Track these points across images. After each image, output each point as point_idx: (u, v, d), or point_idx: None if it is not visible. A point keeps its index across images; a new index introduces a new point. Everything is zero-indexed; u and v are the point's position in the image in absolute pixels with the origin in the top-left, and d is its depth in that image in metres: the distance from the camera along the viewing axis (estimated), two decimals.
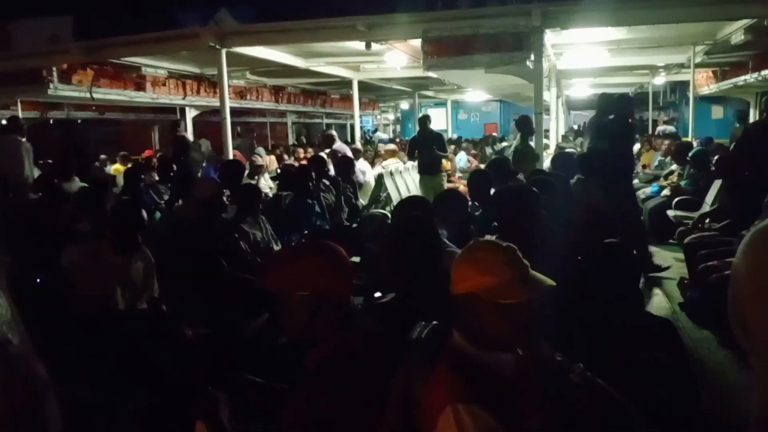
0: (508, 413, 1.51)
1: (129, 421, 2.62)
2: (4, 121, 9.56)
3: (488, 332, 1.62)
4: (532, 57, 6.35)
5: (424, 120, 8.91)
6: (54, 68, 8.05)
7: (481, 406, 1.48)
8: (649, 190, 8.90)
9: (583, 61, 10.36)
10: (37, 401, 0.79)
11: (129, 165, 10.28)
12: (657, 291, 5.60)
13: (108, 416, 2.55)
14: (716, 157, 7.51)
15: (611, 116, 5.90)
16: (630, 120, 6.22)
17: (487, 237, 2.47)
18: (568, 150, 8.74)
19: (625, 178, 6.15)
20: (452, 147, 13.00)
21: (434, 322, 1.79)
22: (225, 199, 4.96)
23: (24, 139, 7.46)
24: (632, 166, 7.40)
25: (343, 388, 1.65)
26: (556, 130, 11.62)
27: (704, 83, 13.73)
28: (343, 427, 1.64)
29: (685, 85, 13.01)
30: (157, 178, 7.92)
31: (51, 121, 13.41)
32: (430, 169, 8.39)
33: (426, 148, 8.42)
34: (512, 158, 6.72)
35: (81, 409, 2.34)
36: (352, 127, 15.05)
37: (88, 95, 8.83)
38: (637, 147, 13.66)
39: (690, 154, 7.89)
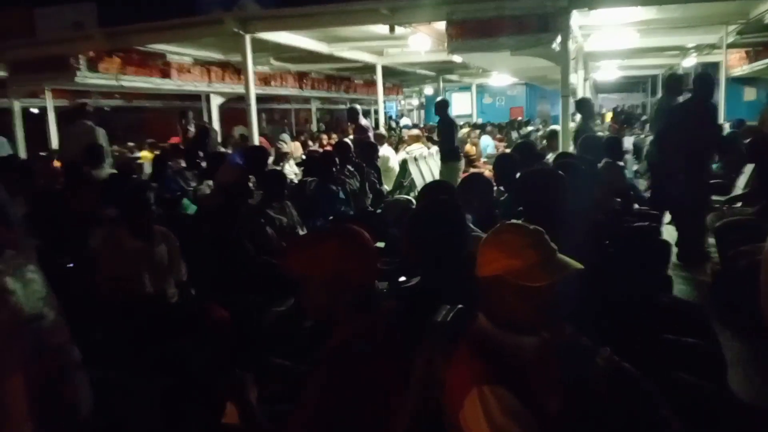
0: (531, 395, 1.50)
1: (155, 402, 2.66)
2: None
3: (513, 315, 1.61)
4: (559, 39, 6.23)
5: (441, 105, 8.55)
6: (81, 56, 8.15)
7: (506, 387, 1.48)
8: None
9: (611, 42, 10.16)
10: (68, 374, 0.81)
11: (156, 152, 10.40)
12: (686, 275, 5.52)
13: (134, 397, 2.59)
14: (749, 140, 7.33)
15: (683, 97, 5.60)
16: (708, 101, 5.71)
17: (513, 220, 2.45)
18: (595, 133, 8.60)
19: (699, 168, 5.60)
20: (477, 132, 12.89)
21: (459, 306, 1.78)
22: (251, 184, 4.98)
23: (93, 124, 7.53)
24: (710, 153, 6.38)
25: (364, 369, 1.66)
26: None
27: (736, 64, 13.39)
28: (363, 407, 1.64)
29: (716, 66, 12.71)
30: (183, 164, 7.99)
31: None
32: (446, 156, 8.23)
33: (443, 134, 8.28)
34: (573, 140, 6.60)
35: (108, 390, 2.39)
36: (376, 112, 15.00)
37: (115, 82, 8.93)
38: None
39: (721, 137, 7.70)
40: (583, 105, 7.15)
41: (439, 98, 10.09)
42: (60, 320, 0.76)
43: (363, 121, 8.91)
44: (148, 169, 8.68)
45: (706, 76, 6.49)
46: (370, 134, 8.69)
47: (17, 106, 8.85)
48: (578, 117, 7.46)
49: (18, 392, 0.65)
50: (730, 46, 11.06)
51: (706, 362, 2.73)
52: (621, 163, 6.07)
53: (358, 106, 9.51)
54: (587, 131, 6.73)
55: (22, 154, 8.97)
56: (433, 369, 1.64)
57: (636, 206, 5.74)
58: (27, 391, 0.67)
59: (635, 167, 11.04)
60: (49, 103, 10.69)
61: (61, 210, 4.56)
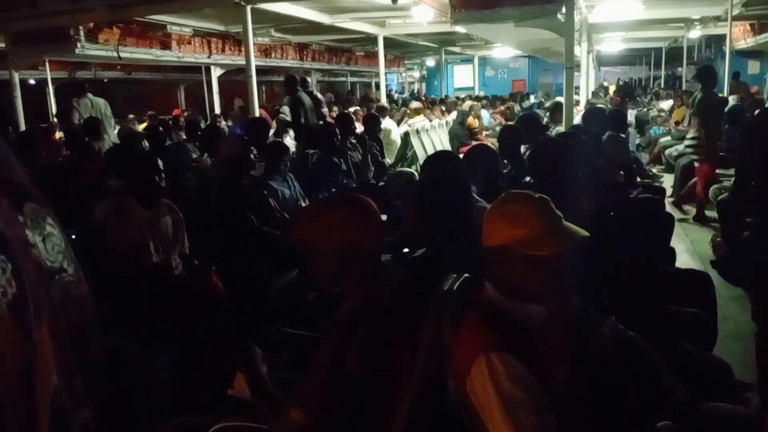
0: (538, 363, 1.52)
1: (165, 370, 2.69)
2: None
3: (519, 284, 1.61)
4: (564, 10, 6.16)
5: (289, 82, 7.89)
6: (80, 27, 8.07)
7: (513, 355, 1.49)
8: (681, 146, 8.70)
9: (616, 14, 10.04)
10: (92, 328, 0.81)
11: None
12: (689, 248, 5.54)
13: (144, 366, 2.61)
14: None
15: None
16: None
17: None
18: (599, 105, 8.55)
19: None
20: (479, 104, 12.82)
21: (466, 275, 1.79)
22: (252, 156, 4.97)
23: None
24: None
25: (372, 337, 1.67)
26: (586, 87, 11.36)
27: (741, 37, 13.26)
28: (371, 375, 1.66)
29: (721, 39, 12.57)
30: (184, 137, 7.97)
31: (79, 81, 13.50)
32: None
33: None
34: (696, 109, 6.50)
35: (118, 359, 2.41)
36: (378, 85, 14.90)
37: (114, 54, 8.86)
38: (669, 103, 13.37)
39: (726, 110, 7.66)
40: (705, 73, 6.80)
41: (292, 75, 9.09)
42: (80, 274, 0.77)
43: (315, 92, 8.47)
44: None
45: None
46: (324, 110, 8.34)
47: (17, 77, 8.79)
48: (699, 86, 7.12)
49: (45, 343, 0.66)
50: (736, 18, 10.92)
51: (705, 332, 2.76)
52: (623, 136, 6.05)
53: (297, 76, 8.79)
54: (709, 101, 6.54)
55: (22, 126, 8.93)
56: (440, 336, 1.65)
57: (638, 179, 5.74)
58: (53, 343, 0.67)
59: (638, 140, 11.02)
60: (49, 74, 10.63)
61: (64, 182, 4.56)
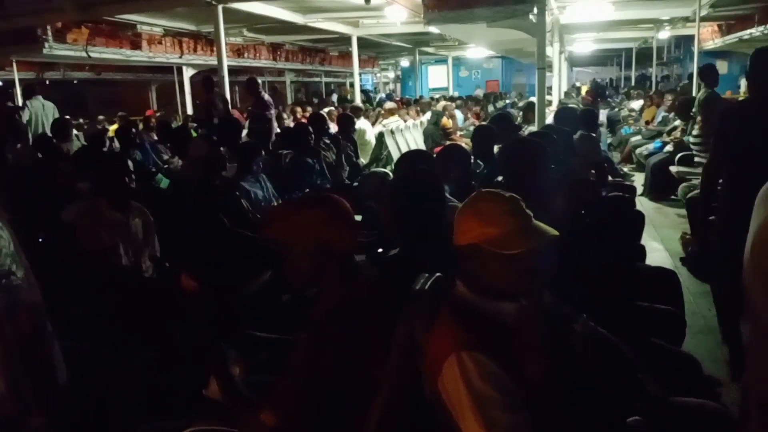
0: (510, 361, 1.52)
1: (135, 374, 2.65)
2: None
3: (491, 282, 1.62)
4: (535, 10, 6.22)
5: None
6: (48, 27, 7.94)
7: (485, 353, 1.49)
8: (651, 146, 8.84)
9: (587, 15, 10.17)
10: (40, 330, 0.79)
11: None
12: (659, 246, 5.62)
13: (114, 370, 2.57)
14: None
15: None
16: None
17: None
18: (571, 105, 8.64)
19: None
20: (453, 105, 12.88)
21: (438, 274, 1.79)
22: (222, 156, 4.92)
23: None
24: None
25: (347, 336, 1.66)
26: (558, 87, 11.50)
27: (709, 37, 13.52)
28: (346, 374, 1.65)
29: (689, 39, 12.80)
30: (156, 138, 7.87)
31: (47, 82, 13.27)
32: None
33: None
34: (699, 108, 6.57)
35: (89, 364, 2.37)
36: (352, 85, 14.88)
37: (83, 54, 8.74)
38: (640, 103, 13.56)
39: (696, 106, 7.76)
40: (707, 72, 6.94)
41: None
42: (30, 279, 0.75)
43: (265, 96, 8.24)
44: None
45: None
46: (272, 112, 8.17)
47: None
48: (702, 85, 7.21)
49: None
50: (704, 19, 11.13)
51: (675, 328, 2.81)
52: (595, 135, 6.12)
53: (258, 79, 8.66)
54: (714, 100, 6.65)
55: None
56: (413, 336, 1.65)
57: (610, 178, 5.81)
58: (2, 350, 0.65)
59: (609, 140, 11.15)
60: (16, 75, 10.43)
61: (33, 185, 4.48)
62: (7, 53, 8.97)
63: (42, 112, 8.31)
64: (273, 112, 8.18)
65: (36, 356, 0.76)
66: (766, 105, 3.07)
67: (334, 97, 18.43)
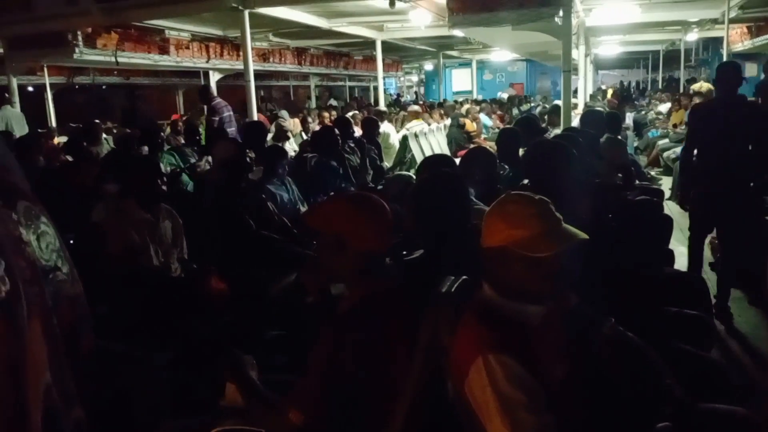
0: (536, 363, 1.51)
1: (159, 373, 2.68)
2: None
3: (518, 285, 1.61)
4: (561, 13, 6.17)
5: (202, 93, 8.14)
6: (79, 32, 8.07)
7: (511, 355, 1.49)
8: (679, 149, 8.71)
9: (613, 17, 10.06)
10: (83, 327, 0.81)
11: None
12: (687, 251, 5.53)
13: (143, 367, 2.61)
14: None
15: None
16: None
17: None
18: (597, 108, 8.56)
19: None
20: (477, 108, 12.85)
21: (463, 276, 1.79)
22: (248, 159, 4.97)
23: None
24: None
25: (367, 337, 1.67)
26: (584, 90, 11.38)
27: (738, 39, 13.28)
28: (366, 374, 1.66)
29: (718, 41, 12.60)
30: (183, 141, 7.96)
31: (77, 87, 13.51)
32: None
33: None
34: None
35: (113, 362, 2.40)
36: (376, 89, 14.91)
37: (112, 59, 8.86)
38: (667, 106, 13.38)
39: None
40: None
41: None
42: (74, 273, 0.77)
43: (218, 102, 8.36)
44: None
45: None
46: (225, 114, 8.25)
47: (14, 83, 8.79)
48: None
49: (37, 342, 0.65)
50: (733, 20, 10.95)
51: (704, 334, 2.76)
52: (621, 139, 6.05)
53: (212, 87, 9.02)
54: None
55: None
56: (438, 338, 1.65)
57: (637, 182, 5.73)
58: (46, 342, 0.67)
59: (635, 143, 11.03)
60: (47, 79, 10.62)
61: (62, 186, 4.56)
62: (38, 57, 9.14)
63: (11, 122, 8.58)
64: (226, 115, 8.32)
65: (77, 349, 0.78)
66: (726, 105, 4.20)
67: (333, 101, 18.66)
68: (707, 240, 5.48)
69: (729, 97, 4.20)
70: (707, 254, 5.28)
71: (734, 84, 4.19)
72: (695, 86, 7.02)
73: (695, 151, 4.38)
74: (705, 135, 4.25)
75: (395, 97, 23.02)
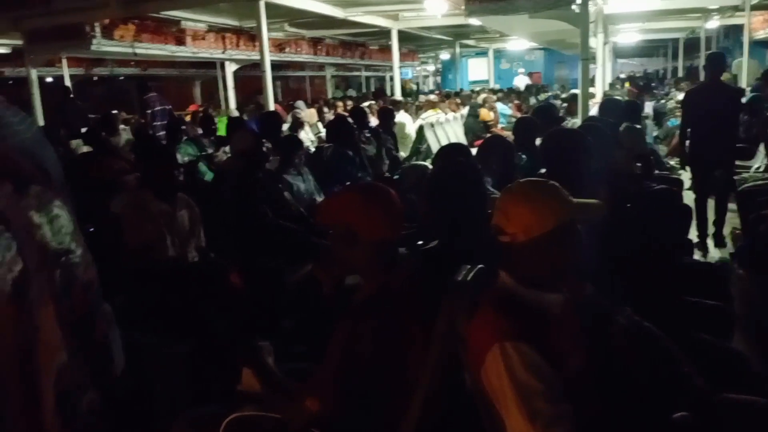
0: (553, 351, 1.51)
1: (178, 363, 2.71)
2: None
3: (535, 271, 1.61)
4: (579, 0, 6.11)
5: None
6: (96, 24, 8.14)
7: (528, 343, 1.48)
8: None
9: (632, 4, 9.94)
10: (95, 308, 0.82)
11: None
12: (708, 241, 5.48)
13: (162, 357, 2.64)
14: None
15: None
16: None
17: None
18: (615, 97, 8.46)
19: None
20: (494, 97, 12.76)
21: (480, 265, 1.78)
22: (265, 149, 4.98)
23: None
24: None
25: (383, 326, 1.68)
26: (602, 79, 11.27)
27: (760, 27, 13.04)
28: (383, 363, 1.66)
29: (739, 29, 12.38)
30: (200, 131, 8.01)
31: (95, 78, 13.64)
32: None
33: None
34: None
35: (132, 351, 2.42)
36: (392, 78, 14.87)
37: (130, 50, 8.93)
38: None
39: (744, 101, 7.54)
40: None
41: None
42: (88, 256, 0.77)
43: (150, 95, 8.62)
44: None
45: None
46: (157, 108, 8.41)
47: (34, 74, 8.88)
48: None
49: (49, 325, 0.66)
50: (754, 7, 10.76)
51: (723, 323, 2.73)
52: (640, 127, 5.97)
53: (152, 95, 9.04)
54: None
55: (40, 122, 9.04)
56: (454, 326, 1.65)
57: (656, 171, 5.67)
58: (58, 325, 0.67)
59: (655, 133, 10.89)
60: (66, 71, 10.72)
61: (81, 177, 4.61)
62: (56, 49, 9.23)
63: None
64: (158, 109, 8.46)
65: (91, 334, 0.79)
66: (713, 89, 5.34)
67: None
68: (728, 231, 5.45)
69: (713, 83, 5.37)
70: (729, 244, 5.23)
71: (718, 71, 5.35)
72: None
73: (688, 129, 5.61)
74: (695, 112, 5.46)
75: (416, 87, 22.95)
